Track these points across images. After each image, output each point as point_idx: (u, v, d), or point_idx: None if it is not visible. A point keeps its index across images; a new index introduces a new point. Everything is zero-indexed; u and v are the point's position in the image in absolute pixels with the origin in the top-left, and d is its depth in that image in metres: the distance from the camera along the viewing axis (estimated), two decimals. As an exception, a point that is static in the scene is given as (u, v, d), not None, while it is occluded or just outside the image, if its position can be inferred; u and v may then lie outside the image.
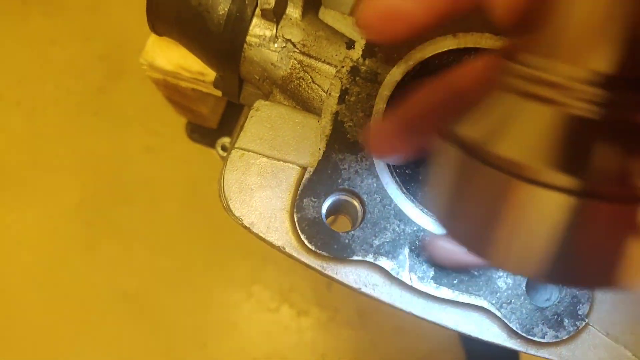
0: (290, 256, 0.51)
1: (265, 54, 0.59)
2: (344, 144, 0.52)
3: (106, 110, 2.29)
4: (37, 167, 2.22)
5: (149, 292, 2.05)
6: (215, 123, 1.17)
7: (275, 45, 0.59)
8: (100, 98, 2.30)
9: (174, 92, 1.04)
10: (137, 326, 1.97)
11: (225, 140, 0.81)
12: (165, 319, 2.00)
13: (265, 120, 0.54)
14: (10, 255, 2.10)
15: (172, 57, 0.94)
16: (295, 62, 0.59)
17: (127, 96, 2.33)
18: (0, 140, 2.24)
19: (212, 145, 1.15)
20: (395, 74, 0.54)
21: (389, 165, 0.52)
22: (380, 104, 0.53)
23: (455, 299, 0.49)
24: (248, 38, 0.59)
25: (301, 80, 0.59)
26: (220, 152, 0.81)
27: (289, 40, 0.59)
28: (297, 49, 0.59)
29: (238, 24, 0.59)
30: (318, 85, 0.59)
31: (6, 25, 2.38)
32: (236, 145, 0.53)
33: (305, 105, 0.60)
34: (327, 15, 0.66)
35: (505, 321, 0.48)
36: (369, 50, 0.54)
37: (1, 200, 2.16)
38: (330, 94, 0.53)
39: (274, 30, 0.59)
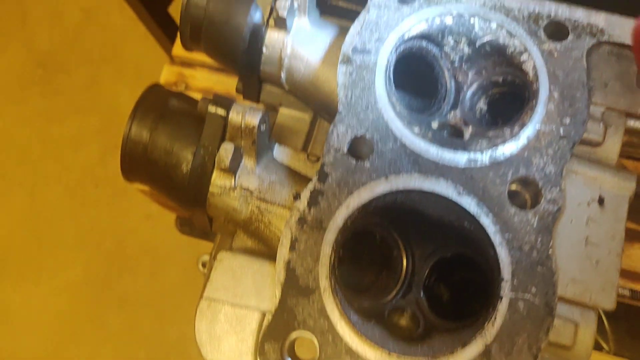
0: (258, 395, 0.57)
1: (227, 201, 0.68)
2: (296, 289, 0.59)
3: (106, 182, 2.38)
4: (41, 246, 2.30)
5: (157, 362, 2.09)
6: (202, 217, 1.25)
7: (235, 193, 0.67)
8: (100, 171, 2.40)
9: (161, 197, 1.12)
10: (147, 398, 2.01)
11: (205, 257, 0.89)
12: (174, 388, 2.04)
13: (227, 270, 0.61)
14: (18, 337, 2.15)
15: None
16: (254, 207, 0.67)
17: (125, 167, 2.38)
18: (4, 221, 2.33)
19: (202, 237, 1.22)
20: (338, 219, 0.61)
21: (338, 304, 0.59)
22: (326, 249, 0.60)
23: None
24: (211, 188, 0.67)
25: (260, 222, 0.67)
26: (201, 268, 0.89)
27: (247, 189, 0.67)
28: (254, 195, 0.67)
29: (201, 178, 0.67)
30: (275, 226, 0.66)
31: (6, 110, 2.50)
32: (204, 296, 0.61)
33: (267, 244, 0.68)
34: (282, 153, 0.74)
35: None
36: (314, 199, 0.62)
37: (8, 281, 2.23)
38: (282, 243, 0.60)
39: (233, 181, 0.67)
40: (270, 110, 0.83)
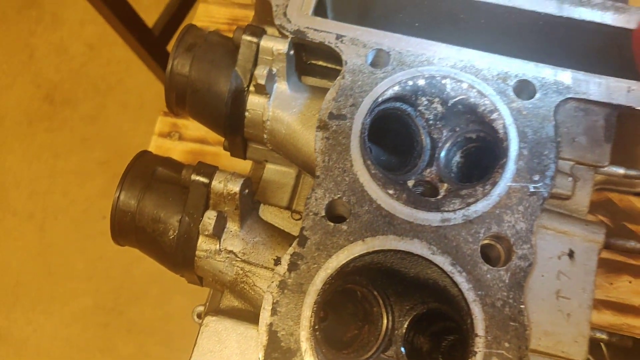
0: None
1: (213, 264, 0.70)
2: (279, 352, 0.62)
3: (112, 212, 2.42)
4: (51, 276, 2.34)
5: (167, 390, 2.12)
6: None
7: (220, 256, 0.70)
8: (105, 202, 2.42)
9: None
10: None
11: (200, 308, 0.92)
12: (184, 416, 2.05)
13: (213, 334, 0.64)
14: (31, 369, 2.19)
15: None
16: (238, 268, 0.70)
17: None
18: (16, 254, 2.38)
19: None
20: (317, 282, 0.64)
21: (319, 364, 0.61)
22: (306, 311, 0.63)
23: None
24: (197, 252, 0.70)
25: (244, 284, 0.70)
26: (196, 319, 0.91)
27: (231, 252, 0.70)
28: (239, 257, 0.70)
29: (187, 244, 0.70)
30: (259, 287, 0.69)
31: (15, 146, 2.56)
32: (191, 360, 0.63)
33: (252, 304, 0.71)
34: (266, 211, 0.77)
35: None
36: (294, 263, 0.65)
37: (20, 311, 2.28)
38: (263, 307, 0.63)
39: (217, 245, 0.70)
40: (257, 164, 0.86)
